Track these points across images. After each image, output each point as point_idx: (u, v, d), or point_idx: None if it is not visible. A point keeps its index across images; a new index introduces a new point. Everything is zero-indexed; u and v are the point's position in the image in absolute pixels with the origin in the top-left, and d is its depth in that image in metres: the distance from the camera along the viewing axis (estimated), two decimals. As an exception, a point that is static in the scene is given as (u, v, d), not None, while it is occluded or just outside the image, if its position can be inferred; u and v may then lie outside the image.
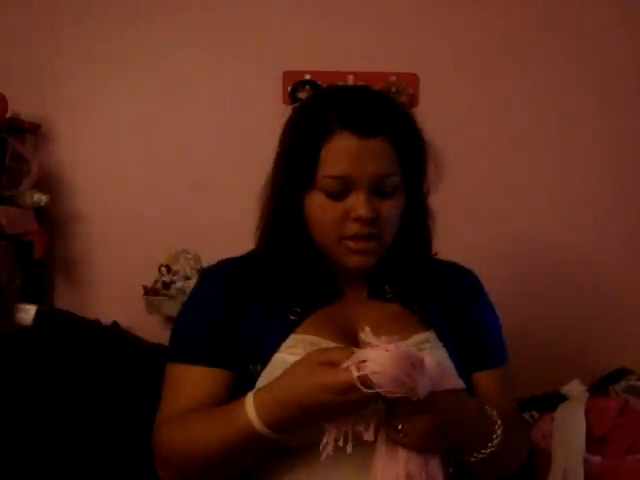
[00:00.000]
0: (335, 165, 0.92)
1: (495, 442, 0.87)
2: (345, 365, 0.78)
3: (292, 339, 0.95)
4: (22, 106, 1.74)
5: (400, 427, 0.80)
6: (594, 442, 1.40)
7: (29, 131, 1.78)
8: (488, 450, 0.87)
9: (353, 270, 0.99)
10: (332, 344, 0.93)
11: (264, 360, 0.93)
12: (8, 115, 1.69)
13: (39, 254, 1.71)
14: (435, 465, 0.82)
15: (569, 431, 1.42)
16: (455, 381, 0.85)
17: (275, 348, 0.94)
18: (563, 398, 1.57)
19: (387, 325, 0.98)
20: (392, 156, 0.94)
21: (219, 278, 1.02)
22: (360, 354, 0.78)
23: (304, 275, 1.00)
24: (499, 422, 0.88)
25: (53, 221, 1.86)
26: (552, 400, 1.57)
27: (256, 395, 0.85)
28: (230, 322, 0.97)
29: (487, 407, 0.89)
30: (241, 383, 0.94)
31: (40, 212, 1.78)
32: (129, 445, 1.27)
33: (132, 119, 1.87)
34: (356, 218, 0.93)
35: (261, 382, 0.91)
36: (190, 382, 0.95)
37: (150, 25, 1.85)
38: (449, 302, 1.05)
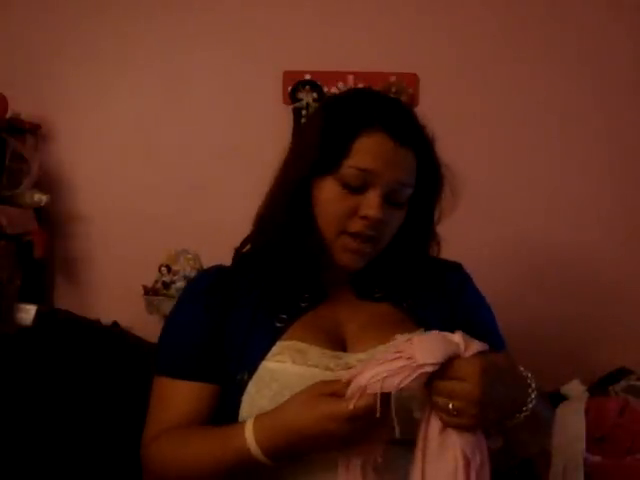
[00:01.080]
0: (365, 158, 0.93)
1: (530, 405, 0.83)
2: (350, 393, 0.78)
3: (278, 346, 0.94)
4: (22, 106, 1.75)
5: (451, 406, 0.77)
6: (594, 442, 1.40)
7: (29, 131, 1.79)
8: (523, 414, 0.83)
9: (342, 268, 0.98)
10: (318, 349, 0.93)
11: (251, 369, 0.92)
12: (8, 115, 1.70)
13: (39, 254, 1.71)
14: (484, 442, 0.80)
15: (569, 431, 1.41)
16: (478, 344, 0.82)
17: (261, 356, 0.93)
18: (563, 398, 1.57)
19: (376, 325, 0.98)
20: (414, 170, 0.97)
21: (201, 289, 1.01)
22: (357, 380, 0.78)
23: (291, 273, 0.99)
24: (533, 384, 0.84)
25: (53, 221, 1.86)
26: (552, 400, 1.56)
27: (256, 421, 0.84)
28: (213, 334, 0.97)
29: (520, 367, 0.86)
30: (229, 393, 0.94)
31: (40, 212, 1.78)
32: (129, 445, 1.27)
33: (132, 119, 1.87)
34: (364, 216, 0.93)
35: (249, 391, 0.91)
36: (176, 396, 0.95)
37: (150, 25, 1.85)
38: (439, 299, 1.05)
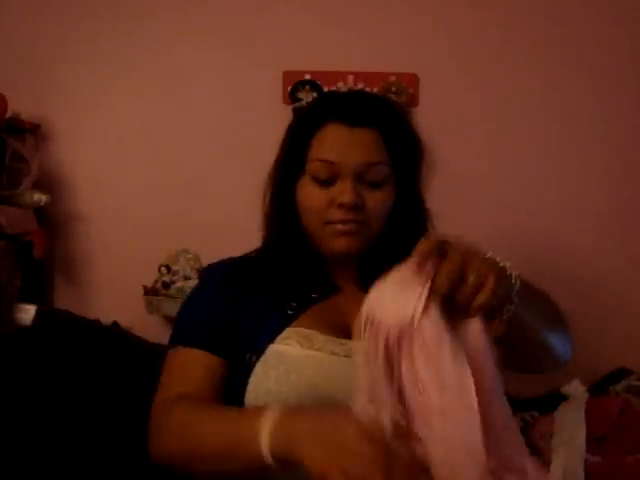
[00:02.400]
0: (323, 149, 0.98)
1: (515, 297, 0.78)
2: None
3: (287, 331, 0.97)
4: (22, 106, 1.74)
5: (473, 279, 0.69)
6: (594, 442, 1.40)
7: (29, 131, 1.78)
8: (512, 306, 0.78)
9: (338, 254, 1.01)
10: (323, 337, 0.96)
11: (259, 351, 0.95)
12: (8, 115, 1.69)
13: (39, 254, 1.71)
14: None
15: (569, 431, 1.42)
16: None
17: (270, 339, 0.96)
18: (563, 398, 1.57)
19: None
20: (380, 147, 0.98)
21: (221, 274, 1.05)
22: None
23: (301, 271, 1.03)
24: (514, 273, 0.81)
25: (53, 221, 1.86)
26: (552, 400, 1.57)
27: (277, 415, 0.78)
28: (231, 315, 1.00)
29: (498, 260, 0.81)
30: (236, 372, 0.97)
31: (40, 212, 1.78)
32: (129, 445, 1.27)
33: (132, 119, 1.87)
34: (340, 204, 0.96)
35: (256, 372, 0.94)
36: (191, 365, 0.97)
37: (150, 25, 1.85)
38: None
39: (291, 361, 0.94)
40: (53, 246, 1.86)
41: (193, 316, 1.03)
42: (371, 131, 0.98)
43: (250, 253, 1.10)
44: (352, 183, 0.96)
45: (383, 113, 1.01)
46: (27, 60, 1.85)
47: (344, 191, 0.96)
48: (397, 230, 1.03)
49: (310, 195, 0.99)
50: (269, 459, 0.78)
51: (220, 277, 1.05)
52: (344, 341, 0.96)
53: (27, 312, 1.61)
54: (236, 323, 0.99)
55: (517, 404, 1.55)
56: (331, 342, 0.96)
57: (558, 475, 1.38)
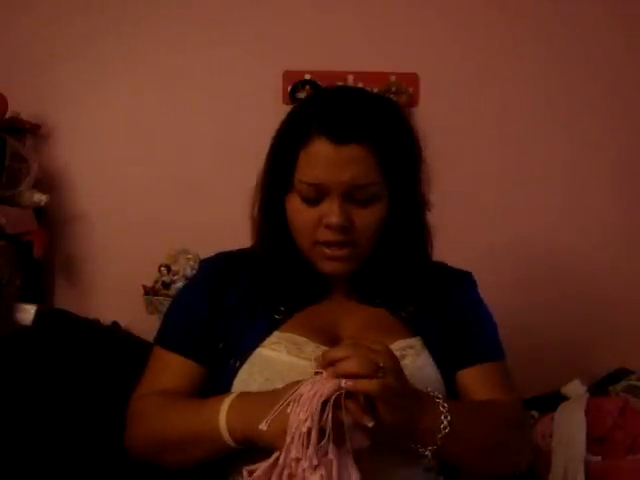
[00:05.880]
0: (309, 171, 0.91)
1: (444, 431, 0.82)
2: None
3: (275, 336, 0.96)
4: (22, 106, 1.74)
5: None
6: (594, 442, 1.40)
7: (29, 131, 1.78)
8: (438, 442, 0.82)
9: (330, 275, 0.99)
10: (313, 344, 0.94)
11: (243, 356, 0.94)
12: (8, 115, 1.69)
13: (39, 254, 1.71)
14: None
15: (569, 431, 1.41)
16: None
17: (256, 344, 0.95)
18: (563, 398, 1.57)
19: (372, 330, 0.98)
20: (371, 164, 0.90)
21: (211, 272, 1.04)
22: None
23: (290, 275, 1.00)
24: (445, 409, 0.83)
25: (53, 221, 1.86)
26: (552, 400, 1.57)
27: (234, 401, 0.86)
28: (212, 317, 1.00)
29: (433, 394, 0.85)
30: (220, 378, 0.96)
31: (40, 212, 1.77)
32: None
33: (132, 119, 1.87)
34: (327, 225, 0.92)
35: (241, 376, 0.93)
36: (169, 368, 0.99)
37: (150, 25, 1.85)
38: (440, 306, 1.03)
39: (276, 367, 0.92)
40: (53, 246, 1.86)
41: (175, 319, 1.04)
42: (361, 148, 0.89)
43: (246, 249, 1.07)
44: (339, 203, 0.90)
45: (375, 125, 0.91)
46: (27, 60, 1.84)
47: (331, 212, 0.91)
48: (393, 241, 0.99)
49: (298, 212, 0.94)
50: (229, 440, 0.84)
51: (209, 277, 1.03)
52: None
53: (27, 312, 1.60)
54: (218, 325, 0.99)
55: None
56: (319, 351, 0.91)
57: (558, 475, 1.38)
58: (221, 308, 1.00)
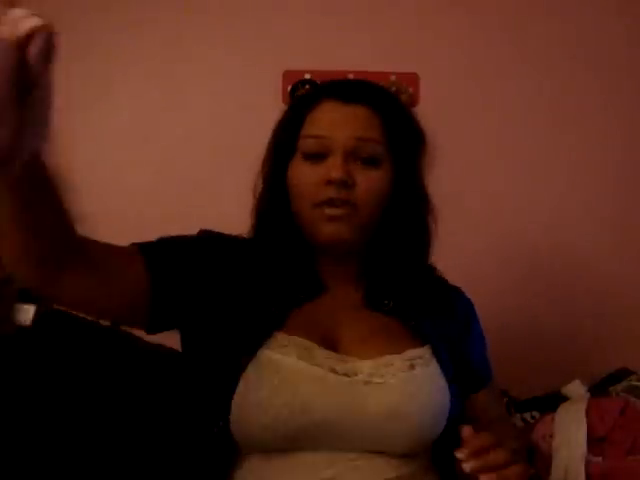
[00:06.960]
0: (315, 125, 0.96)
1: None
2: None
3: (284, 338, 0.92)
4: (22, 106, 1.74)
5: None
6: (595, 443, 1.40)
7: (29, 131, 1.78)
8: None
9: (327, 241, 0.96)
10: (326, 352, 0.92)
11: (250, 353, 0.90)
12: (8, 115, 1.69)
13: (39, 254, 1.71)
14: None
15: (570, 431, 1.41)
16: None
17: (261, 343, 0.91)
18: (564, 398, 1.57)
19: (381, 337, 0.97)
20: (375, 124, 0.95)
21: (214, 235, 1.03)
22: None
23: (288, 265, 0.98)
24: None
25: (53, 221, 1.86)
26: (553, 400, 1.56)
27: None
28: (197, 271, 0.95)
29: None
30: (223, 369, 0.91)
31: (40, 212, 1.77)
32: (129, 445, 1.27)
33: (132, 119, 1.87)
34: (329, 181, 0.92)
35: (248, 375, 0.89)
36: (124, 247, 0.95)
37: (150, 25, 1.85)
38: (447, 323, 1.04)
39: (287, 373, 0.89)
40: (53, 246, 1.86)
41: (162, 238, 1.00)
42: (366, 108, 0.95)
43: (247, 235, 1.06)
44: (342, 158, 0.93)
45: (380, 93, 1.00)
46: (27, 60, 1.84)
47: (333, 167, 0.93)
48: (394, 226, 0.98)
49: (300, 174, 0.96)
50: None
51: (215, 238, 1.02)
52: (345, 357, 0.93)
53: (26, 312, 1.60)
54: (202, 286, 0.94)
55: (517, 404, 1.55)
56: (332, 359, 0.91)
57: (559, 475, 1.38)
58: (213, 272, 0.96)
